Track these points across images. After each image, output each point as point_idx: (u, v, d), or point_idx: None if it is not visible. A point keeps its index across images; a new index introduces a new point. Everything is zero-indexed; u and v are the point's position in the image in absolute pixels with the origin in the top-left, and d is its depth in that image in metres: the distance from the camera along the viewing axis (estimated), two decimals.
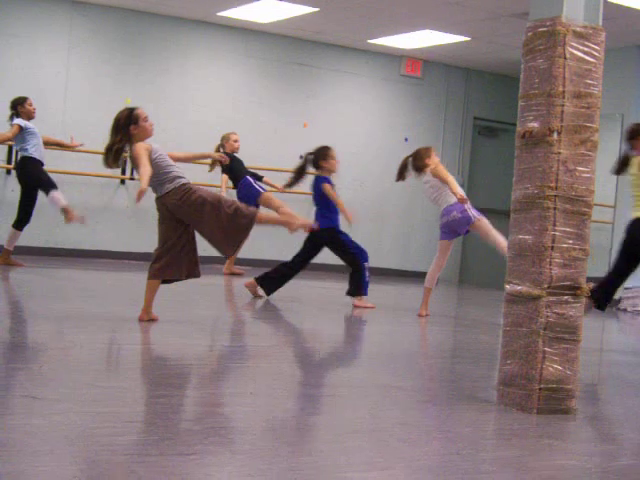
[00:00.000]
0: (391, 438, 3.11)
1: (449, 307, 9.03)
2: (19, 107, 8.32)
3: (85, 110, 10.02)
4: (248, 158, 9.22)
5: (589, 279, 3.80)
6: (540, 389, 3.65)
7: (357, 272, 7.28)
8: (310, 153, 7.41)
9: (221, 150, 8.88)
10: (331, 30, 10.64)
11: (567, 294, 3.68)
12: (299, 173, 7.35)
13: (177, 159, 5.67)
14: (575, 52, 3.67)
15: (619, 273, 6.49)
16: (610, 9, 7.49)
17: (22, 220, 8.39)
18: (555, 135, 3.65)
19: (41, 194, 8.29)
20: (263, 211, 5.56)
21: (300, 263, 7.32)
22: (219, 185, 10.00)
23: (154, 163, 5.12)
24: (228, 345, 5.21)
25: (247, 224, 5.29)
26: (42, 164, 8.32)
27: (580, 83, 3.69)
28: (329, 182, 7.28)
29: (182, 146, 8.53)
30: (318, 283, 9.38)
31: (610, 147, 10.07)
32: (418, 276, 11.25)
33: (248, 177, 8.84)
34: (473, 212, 6.84)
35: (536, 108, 3.70)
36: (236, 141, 9.03)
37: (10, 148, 9.47)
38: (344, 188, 10.26)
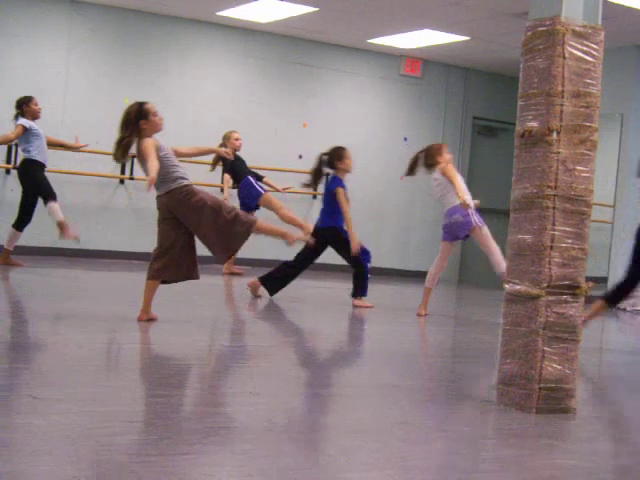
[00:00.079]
0: (391, 438, 3.11)
1: (449, 307, 9.03)
2: (24, 106, 8.25)
3: (85, 110, 10.02)
4: (248, 158, 9.21)
5: (588, 279, 3.80)
6: (539, 388, 3.66)
7: (360, 273, 7.28)
8: (325, 153, 7.40)
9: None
10: (331, 30, 10.64)
11: (566, 293, 3.68)
12: (317, 175, 7.35)
13: (182, 154, 5.69)
14: (574, 51, 3.67)
15: (634, 278, 6.39)
16: (609, 8, 7.48)
17: (23, 221, 8.38)
18: (554, 135, 3.65)
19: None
20: (262, 220, 5.55)
21: (303, 262, 7.30)
22: (219, 185, 10.03)
23: (160, 161, 5.12)
24: (228, 345, 5.21)
25: (244, 232, 5.30)
26: (44, 167, 8.30)
27: (579, 82, 3.69)
28: (343, 186, 7.24)
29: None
30: (320, 283, 9.38)
31: (609, 147, 10.08)
32: (417, 276, 11.25)
33: (249, 177, 8.85)
34: (476, 218, 6.76)
35: (535, 107, 3.71)
36: (237, 139, 9.02)
37: (10, 148, 9.46)
38: None
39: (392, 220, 11.92)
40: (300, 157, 11.09)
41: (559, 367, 3.67)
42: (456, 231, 6.85)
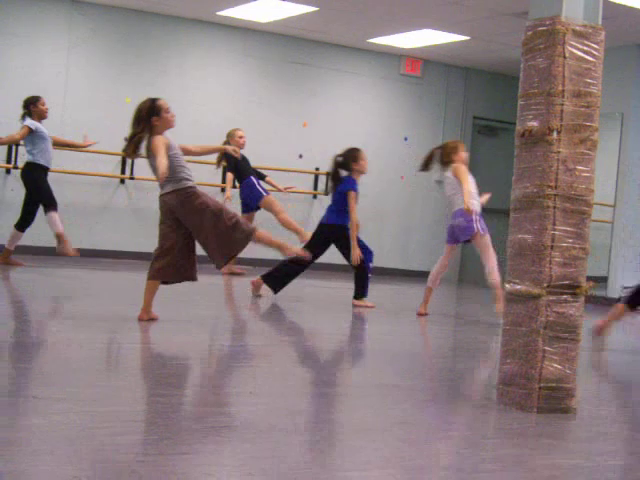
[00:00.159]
0: (392, 437, 3.11)
1: (449, 306, 9.03)
2: (32, 106, 8.18)
3: (85, 110, 10.02)
4: (250, 157, 9.21)
5: (589, 278, 3.80)
6: (540, 388, 3.66)
7: (361, 273, 7.28)
8: (339, 155, 7.38)
9: None
10: (331, 29, 10.64)
11: (567, 293, 3.69)
12: (335, 179, 7.34)
13: (192, 152, 5.69)
14: (575, 51, 3.67)
15: None
16: (610, 8, 7.48)
17: (25, 221, 8.36)
18: (555, 134, 3.65)
19: None
20: (263, 230, 5.57)
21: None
22: (221, 185, 10.04)
23: (168, 159, 5.11)
24: (229, 344, 5.21)
25: (243, 240, 5.30)
26: (47, 170, 8.27)
27: (580, 82, 3.69)
28: (356, 190, 7.24)
29: None
30: (321, 282, 9.38)
31: (610, 146, 10.07)
32: (418, 275, 11.26)
33: (252, 177, 8.84)
34: (479, 225, 6.72)
35: (536, 107, 3.71)
36: (241, 137, 9.01)
37: (10, 148, 9.45)
38: None
39: (392, 220, 11.92)
40: (300, 157, 11.09)
41: (559, 367, 3.67)
42: (458, 234, 6.85)
